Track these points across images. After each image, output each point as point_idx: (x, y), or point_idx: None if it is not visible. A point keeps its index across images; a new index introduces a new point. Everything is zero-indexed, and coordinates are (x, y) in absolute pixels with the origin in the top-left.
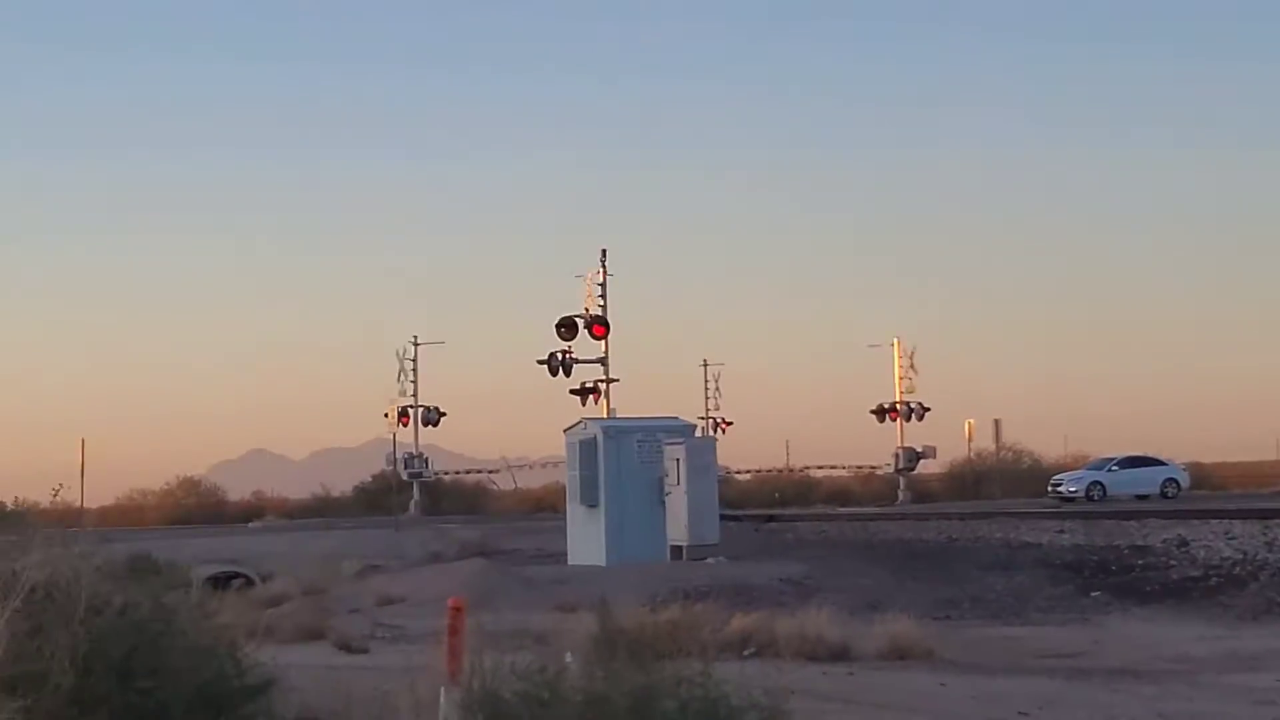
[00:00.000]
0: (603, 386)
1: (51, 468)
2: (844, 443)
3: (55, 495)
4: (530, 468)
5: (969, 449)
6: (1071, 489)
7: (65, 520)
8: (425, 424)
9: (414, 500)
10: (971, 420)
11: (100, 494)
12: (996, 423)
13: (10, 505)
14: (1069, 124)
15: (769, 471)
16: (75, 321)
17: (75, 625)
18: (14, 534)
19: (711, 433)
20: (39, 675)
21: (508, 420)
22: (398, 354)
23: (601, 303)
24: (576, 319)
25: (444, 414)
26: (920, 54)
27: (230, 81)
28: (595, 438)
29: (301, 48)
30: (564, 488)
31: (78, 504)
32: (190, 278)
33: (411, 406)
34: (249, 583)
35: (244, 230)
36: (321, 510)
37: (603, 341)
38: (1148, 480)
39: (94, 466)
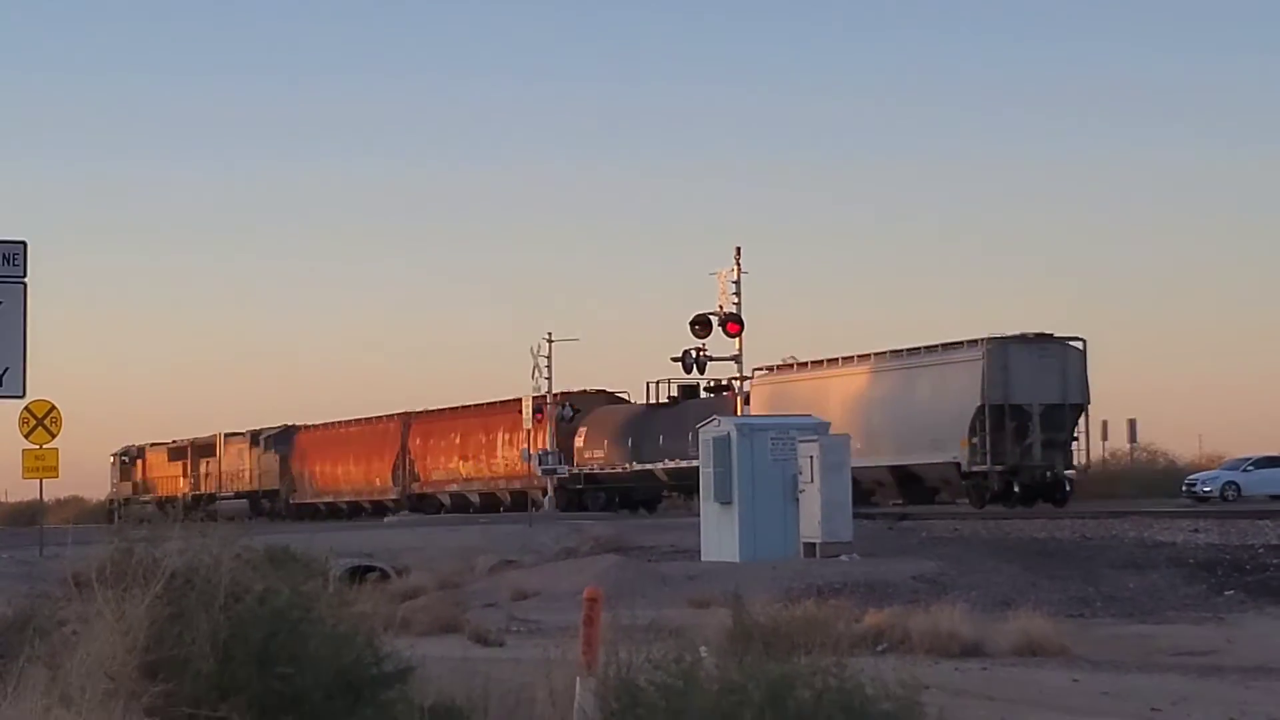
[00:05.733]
0: (737, 384)
1: None
2: None
3: None
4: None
5: (1103, 449)
6: (1206, 488)
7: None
8: (560, 420)
9: (548, 495)
10: (1106, 420)
11: None
12: (1131, 422)
13: None
14: (1204, 121)
15: None
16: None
17: (216, 612)
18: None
19: (845, 431)
20: (180, 660)
21: None
22: (532, 350)
23: (736, 300)
24: (711, 316)
25: (578, 410)
26: (1059, 57)
27: (371, 85)
28: (729, 435)
29: (439, 56)
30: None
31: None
32: (331, 282)
33: (546, 403)
34: (384, 576)
35: (381, 232)
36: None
37: (737, 339)
38: None
39: None
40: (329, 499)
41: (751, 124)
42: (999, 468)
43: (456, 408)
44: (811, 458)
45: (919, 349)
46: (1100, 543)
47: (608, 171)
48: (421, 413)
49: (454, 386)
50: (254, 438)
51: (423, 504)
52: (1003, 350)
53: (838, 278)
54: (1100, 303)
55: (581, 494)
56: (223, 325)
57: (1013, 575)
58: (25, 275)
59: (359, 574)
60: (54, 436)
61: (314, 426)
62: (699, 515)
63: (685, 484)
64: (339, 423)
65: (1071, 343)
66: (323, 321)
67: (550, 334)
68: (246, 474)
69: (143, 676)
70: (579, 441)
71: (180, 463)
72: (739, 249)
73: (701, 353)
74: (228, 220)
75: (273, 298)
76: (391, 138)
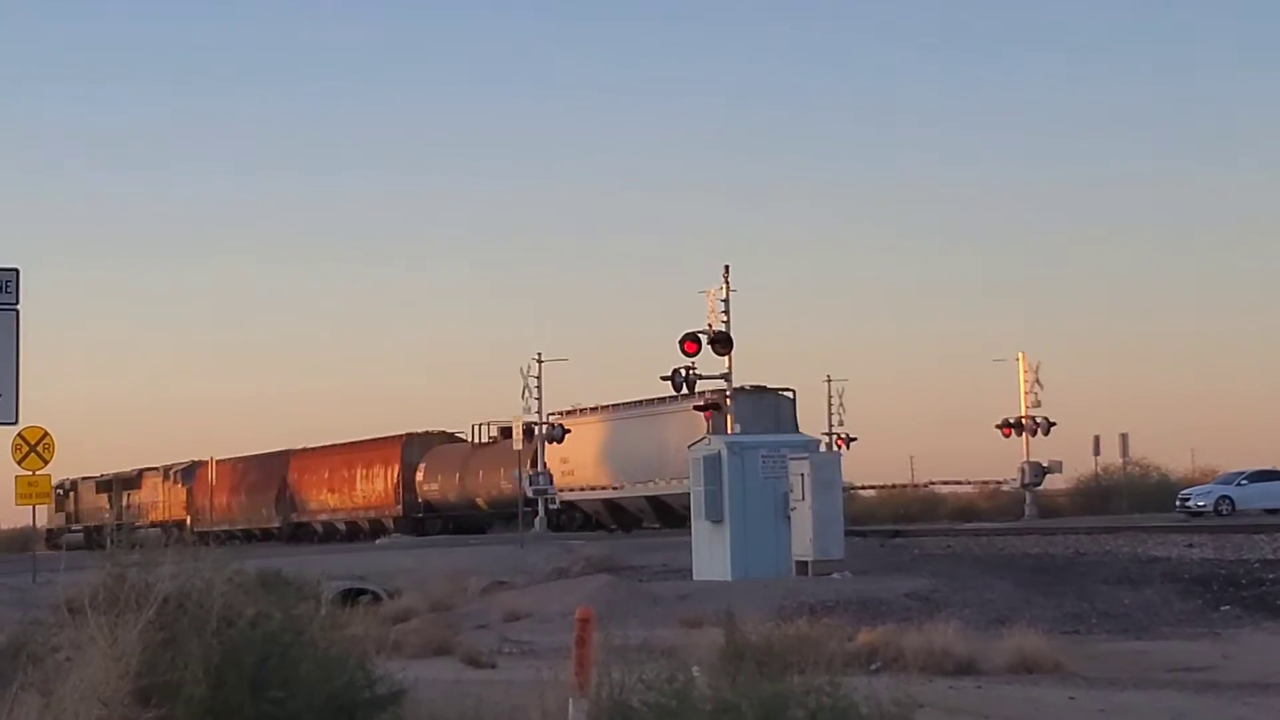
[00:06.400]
0: (727, 402)
1: None
2: (969, 458)
3: None
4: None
5: (1096, 464)
6: (1200, 503)
7: None
8: (549, 440)
9: (539, 517)
10: (1098, 434)
11: None
12: (1124, 437)
13: None
14: (1198, 142)
15: (893, 487)
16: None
17: (208, 636)
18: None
19: (835, 449)
20: (173, 685)
21: None
22: (521, 371)
23: (725, 318)
24: (700, 335)
25: (568, 431)
26: (1054, 76)
27: (357, 102)
28: (719, 453)
29: (421, 70)
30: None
31: None
32: (310, 302)
33: (536, 423)
34: (376, 599)
35: (366, 251)
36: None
37: (726, 357)
38: (1277, 494)
39: None
40: (225, 527)
41: (740, 141)
42: None
43: (328, 446)
44: (803, 475)
45: (667, 398)
46: (1094, 558)
47: (594, 188)
48: (300, 450)
49: (433, 411)
50: (166, 472)
51: (300, 532)
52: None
53: (829, 295)
54: (1093, 318)
55: (422, 521)
56: (197, 349)
57: (1006, 592)
58: (17, 303)
59: (351, 597)
60: (46, 463)
61: (219, 460)
62: (690, 534)
63: (505, 512)
64: (232, 459)
65: (783, 392)
66: (317, 337)
67: (540, 354)
68: (160, 505)
69: (136, 702)
70: (420, 476)
71: (106, 494)
72: (727, 267)
73: (691, 371)
74: (180, 240)
75: (253, 312)
76: (374, 154)
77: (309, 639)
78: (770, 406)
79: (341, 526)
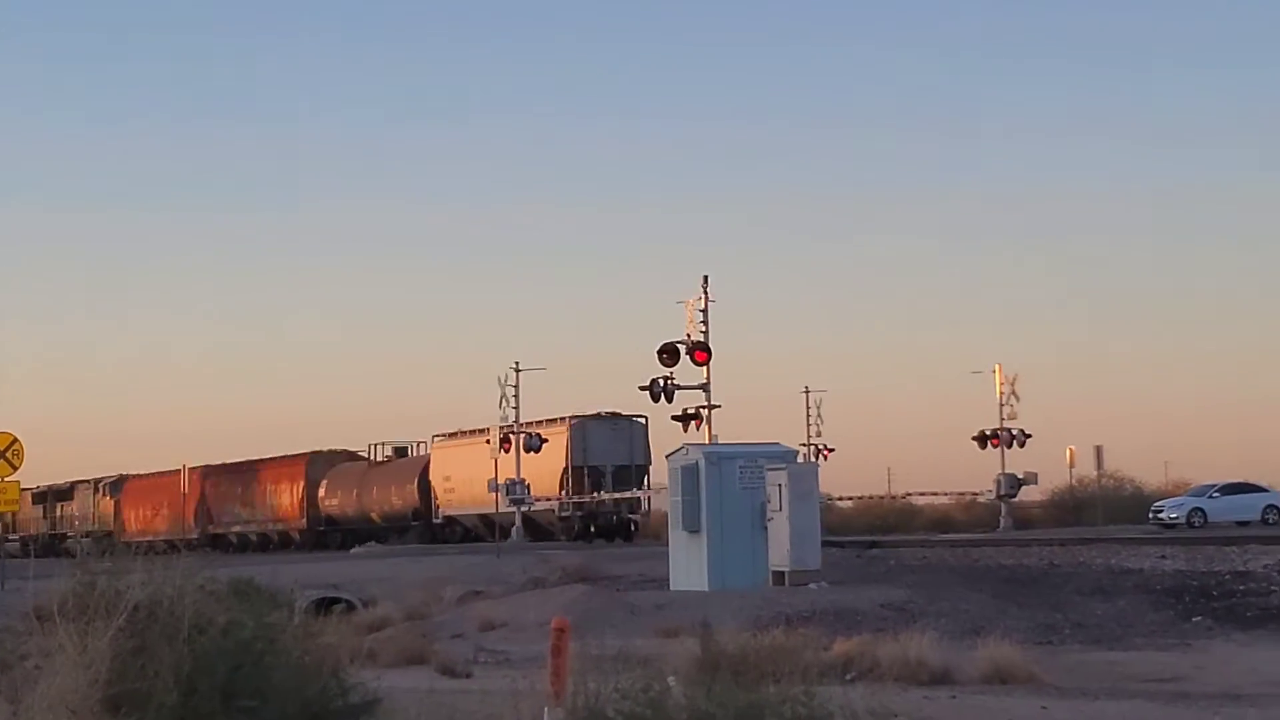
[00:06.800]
0: (705, 412)
1: None
2: (945, 470)
3: None
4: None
5: (1071, 476)
6: (1172, 515)
7: None
8: (528, 450)
9: (515, 526)
10: (1073, 447)
11: None
12: (1098, 449)
13: None
14: (1173, 151)
15: (871, 498)
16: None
17: (179, 644)
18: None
19: (813, 460)
20: (143, 694)
21: None
22: (499, 380)
23: (703, 328)
24: (678, 345)
25: (546, 440)
26: (1028, 84)
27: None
28: (697, 463)
29: (406, 85)
30: (665, 514)
31: None
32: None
33: (514, 433)
34: (351, 607)
35: (347, 261)
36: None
37: (704, 367)
38: (1249, 507)
39: None
40: (149, 537)
41: (718, 153)
42: (580, 513)
43: (242, 462)
44: (780, 486)
45: (537, 421)
46: (1068, 570)
47: (571, 200)
48: (217, 465)
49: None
50: (96, 485)
51: (216, 543)
52: (583, 425)
53: (807, 307)
54: (1069, 332)
55: (324, 534)
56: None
57: (981, 603)
58: None
59: (325, 605)
60: (15, 469)
61: (139, 476)
62: (668, 544)
63: (397, 525)
64: (155, 473)
65: (636, 419)
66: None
67: (517, 364)
68: (91, 516)
69: (105, 710)
70: (322, 492)
71: (41, 505)
72: (706, 277)
73: (669, 381)
74: (121, 255)
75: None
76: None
77: (282, 648)
78: (624, 431)
79: (253, 538)
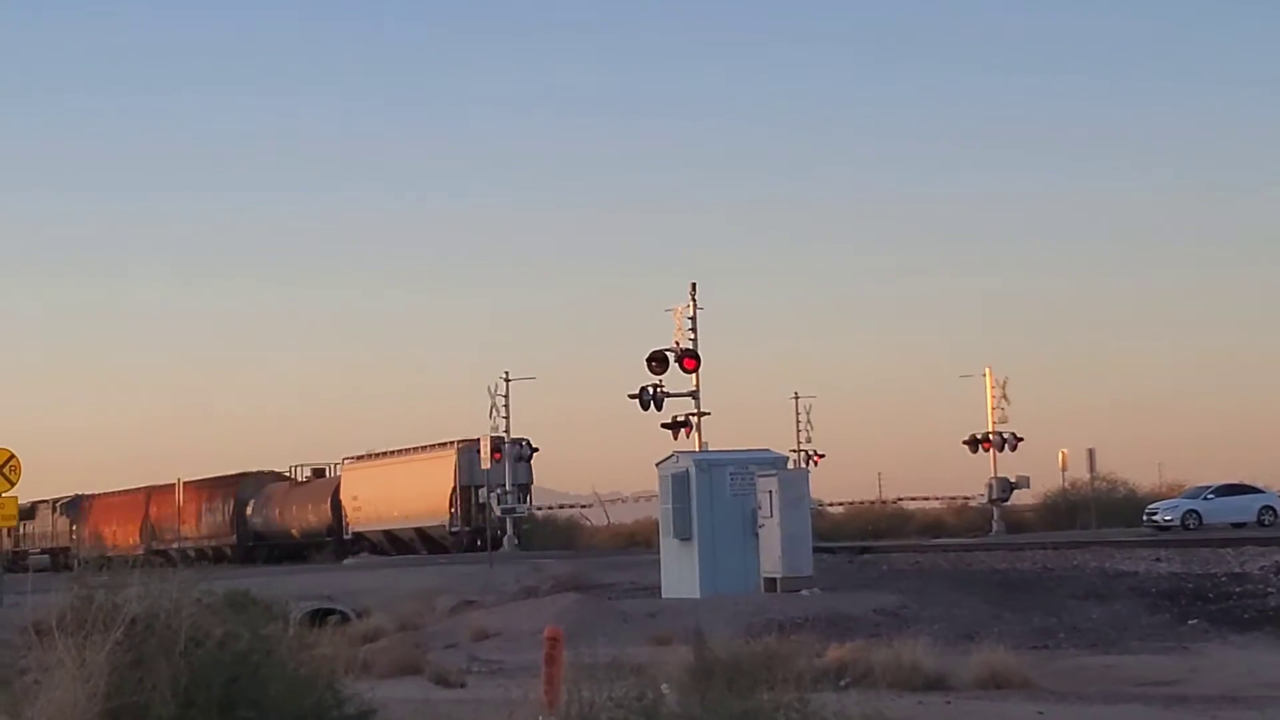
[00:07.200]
0: (694, 420)
1: None
2: (936, 474)
3: None
4: (623, 502)
5: (1063, 479)
6: (1167, 517)
7: None
8: (517, 459)
9: (507, 536)
10: (1065, 450)
11: None
12: (1091, 452)
13: None
14: (1158, 157)
15: (862, 504)
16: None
17: (176, 657)
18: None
19: (803, 465)
20: (142, 706)
21: (600, 455)
22: (489, 390)
23: (692, 336)
24: (667, 353)
25: (536, 449)
26: (1016, 91)
27: (331, 118)
28: (688, 471)
29: (403, 89)
30: (657, 522)
31: None
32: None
33: (504, 442)
34: (345, 619)
35: (333, 268)
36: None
37: (694, 375)
38: (1244, 508)
39: None
40: (101, 553)
41: (707, 160)
42: (467, 528)
43: (186, 482)
44: (771, 492)
45: (427, 445)
46: (1062, 573)
47: (559, 207)
48: (160, 486)
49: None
50: (54, 504)
51: (159, 558)
52: (469, 448)
53: (796, 313)
54: (1060, 335)
55: (253, 549)
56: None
57: (975, 607)
58: None
59: (319, 617)
60: (13, 484)
61: (95, 495)
62: (659, 552)
63: (314, 540)
64: (108, 493)
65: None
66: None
67: (507, 373)
68: (50, 534)
69: None
70: (249, 510)
71: None
72: (694, 285)
73: (659, 389)
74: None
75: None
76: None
77: (278, 659)
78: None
79: (191, 554)
